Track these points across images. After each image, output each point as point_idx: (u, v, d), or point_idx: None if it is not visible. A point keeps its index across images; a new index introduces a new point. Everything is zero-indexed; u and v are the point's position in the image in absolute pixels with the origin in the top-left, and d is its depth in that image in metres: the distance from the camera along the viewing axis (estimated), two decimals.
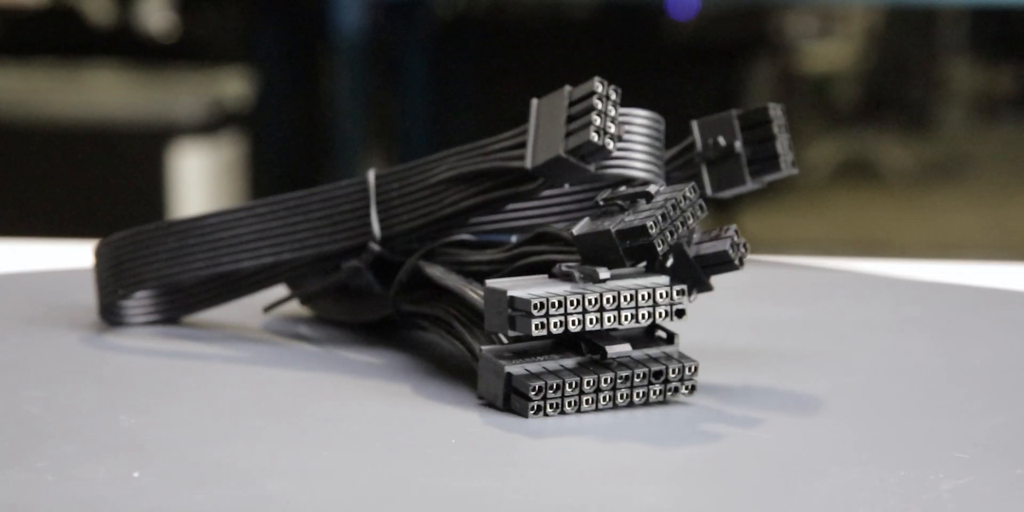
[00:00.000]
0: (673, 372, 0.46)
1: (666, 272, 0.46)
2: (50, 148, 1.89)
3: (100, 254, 0.56)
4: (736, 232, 0.47)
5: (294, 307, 0.58)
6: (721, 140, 0.52)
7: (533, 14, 2.26)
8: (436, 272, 0.51)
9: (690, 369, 0.46)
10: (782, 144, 0.51)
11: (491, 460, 0.42)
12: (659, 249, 0.45)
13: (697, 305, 0.50)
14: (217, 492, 0.39)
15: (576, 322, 0.45)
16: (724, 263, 0.47)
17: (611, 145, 0.48)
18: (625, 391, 0.46)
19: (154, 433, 0.44)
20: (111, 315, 0.57)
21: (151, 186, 1.86)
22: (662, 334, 0.47)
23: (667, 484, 0.40)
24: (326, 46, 1.98)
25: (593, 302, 0.45)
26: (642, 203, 0.46)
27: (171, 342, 0.56)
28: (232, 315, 0.58)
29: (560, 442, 0.44)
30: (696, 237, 0.47)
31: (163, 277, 0.54)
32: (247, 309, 0.58)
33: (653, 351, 0.46)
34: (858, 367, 0.53)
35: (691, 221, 0.46)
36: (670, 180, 0.52)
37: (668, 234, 0.45)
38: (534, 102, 0.49)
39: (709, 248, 0.47)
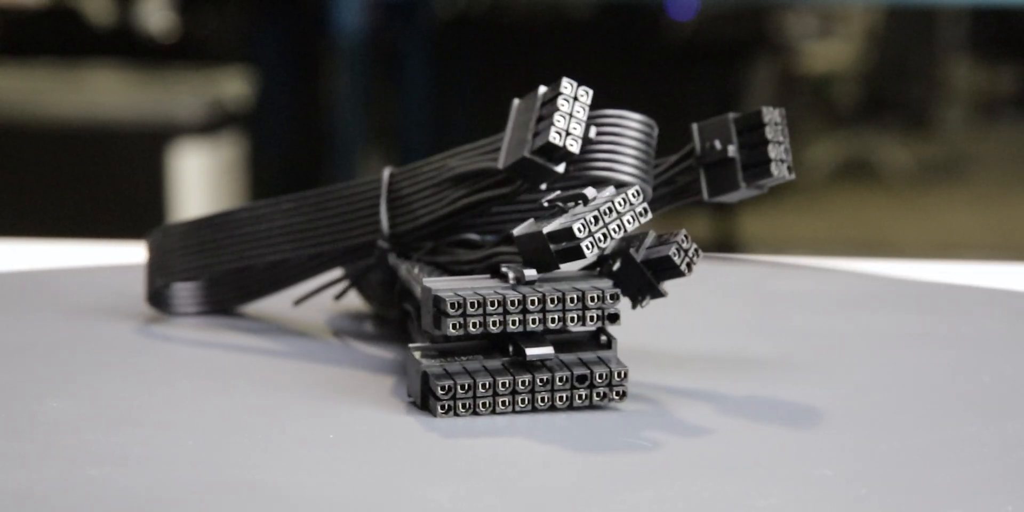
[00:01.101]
0: (600, 377, 0.45)
1: (613, 276, 0.46)
2: (50, 148, 1.89)
3: (149, 244, 0.57)
4: (685, 237, 0.46)
5: (359, 302, 0.59)
6: (717, 144, 0.50)
7: (533, 14, 2.26)
8: (403, 270, 0.52)
9: (619, 375, 0.45)
10: (775, 149, 0.50)
11: (346, 456, 0.42)
12: (587, 252, 0.45)
13: (689, 304, 0.49)
14: (32, 475, 0.39)
15: (497, 323, 0.44)
16: (670, 268, 0.46)
17: (574, 146, 0.47)
18: (545, 395, 0.45)
19: (54, 416, 0.45)
20: (160, 304, 0.58)
21: (151, 186, 1.86)
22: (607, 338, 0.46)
23: (515, 489, 0.40)
24: (326, 46, 1.98)
25: (515, 303, 0.44)
26: (579, 206, 0.46)
27: (199, 331, 0.57)
28: (286, 307, 0.58)
29: (446, 442, 0.44)
30: (648, 241, 0.47)
31: (195, 269, 0.56)
32: (313, 301, 0.58)
33: (588, 355, 0.46)
34: (839, 374, 0.52)
35: (630, 225, 0.45)
36: (674, 185, 0.51)
37: (601, 237, 0.45)
38: (514, 102, 0.50)
39: (655, 253, 0.46)
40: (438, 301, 0.44)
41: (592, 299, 0.45)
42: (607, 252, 0.47)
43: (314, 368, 0.52)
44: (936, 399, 0.48)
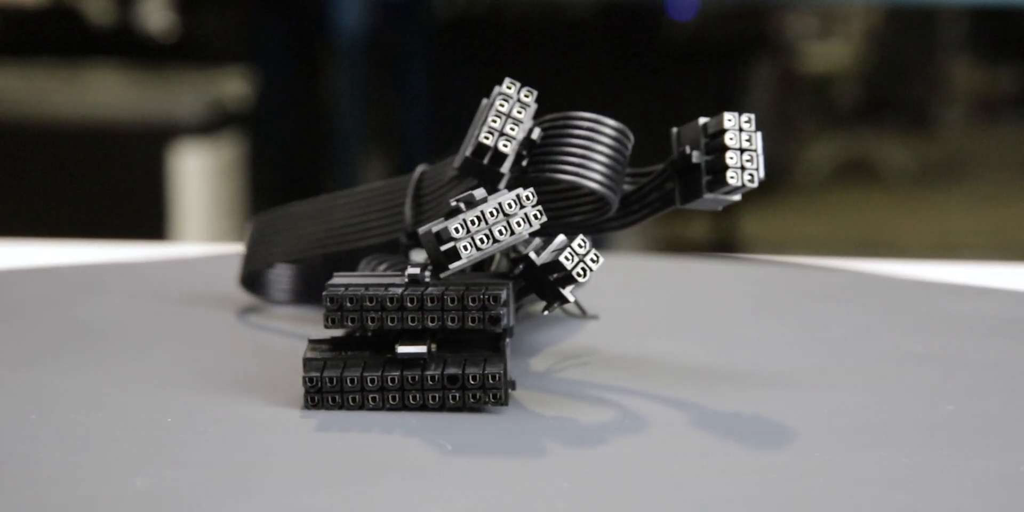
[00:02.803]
0: (472, 379, 0.45)
1: (527, 280, 0.46)
2: (50, 148, 1.88)
3: (247, 230, 0.59)
4: (581, 242, 0.46)
5: None
6: (687, 149, 0.49)
7: (533, 14, 2.26)
8: (362, 266, 0.53)
9: (492, 377, 0.45)
10: (736, 156, 0.48)
11: (152, 440, 0.43)
12: (463, 253, 0.45)
13: (686, 303, 0.49)
14: None
15: (374, 320, 0.45)
16: (565, 273, 0.46)
17: (507, 147, 0.47)
18: (416, 394, 0.45)
19: None
20: (255, 289, 0.60)
21: (151, 186, 1.86)
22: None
23: (312, 488, 0.40)
24: (326, 46, 1.98)
25: (393, 301, 0.45)
26: (472, 206, 0.46)
27: (258, 317, 0.60)
28: None
29: (266, 434, 0.44)
30: (554, 245, 0.46)
31: (264, 258, 0.58)
32: None
33: (476, 357, 0.46)
34: (807, 382, 0.51)
35: (519, 228, 0.45)
36: (662, 191, 0.51)
37: (483, 238, 0.45)
38: (483, 102, 0.50)
39: (551, 258, 0.46)
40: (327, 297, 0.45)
41: (472, 301, 0.45)
42: (522, 255, 0.47)
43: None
44: (882, 426, 0.46)
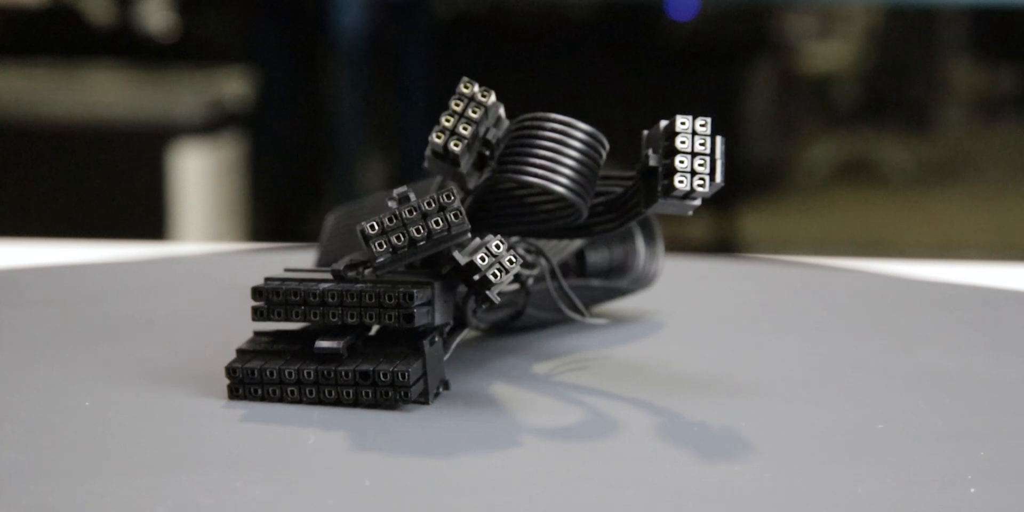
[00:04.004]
0: (382, 376, 0.45)
1: (461, 279, 0.46)
2: (50, 148, 1.88)
3: (324, 225, 0.60)
4: (499, 243, 0.46)
5: None
6: (649, 152, 0.48)
7: (533, 14, 2.26)
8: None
9: (401, 376, 0.45)
10: (686, 160, 0.46)
11: (41, 422, 0.44)
12: (376, 251, 0.45)
13: (691, 305, 0.49)
14: None
15: (297, 314, 0.45)
16: (482, 275, 0.46)
17: (458, 147, 0.48)
18: (331, 389, 0.45)
19: None
20: None
21: (151, 186, 1.86)
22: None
23: (214, 474, 0.40)
24: (326, 46, 1.98)
25: (314, 297, 0.45)
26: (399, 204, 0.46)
27: None
28: None
29: (156, 424, 0.44)
30: (475, 245, 0.46)
31: (330, 254, 0.59)
32: None
33: (395, 354, 0.46)
34: (785, 392, 0.50)
35: (437, 227, 0.45)
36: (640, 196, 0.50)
37: (399, 238, 0.45)
38: None
39: (467, 258, 0.46)
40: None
41: (388, 298, 0.45)
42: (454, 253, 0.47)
43: None
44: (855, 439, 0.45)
